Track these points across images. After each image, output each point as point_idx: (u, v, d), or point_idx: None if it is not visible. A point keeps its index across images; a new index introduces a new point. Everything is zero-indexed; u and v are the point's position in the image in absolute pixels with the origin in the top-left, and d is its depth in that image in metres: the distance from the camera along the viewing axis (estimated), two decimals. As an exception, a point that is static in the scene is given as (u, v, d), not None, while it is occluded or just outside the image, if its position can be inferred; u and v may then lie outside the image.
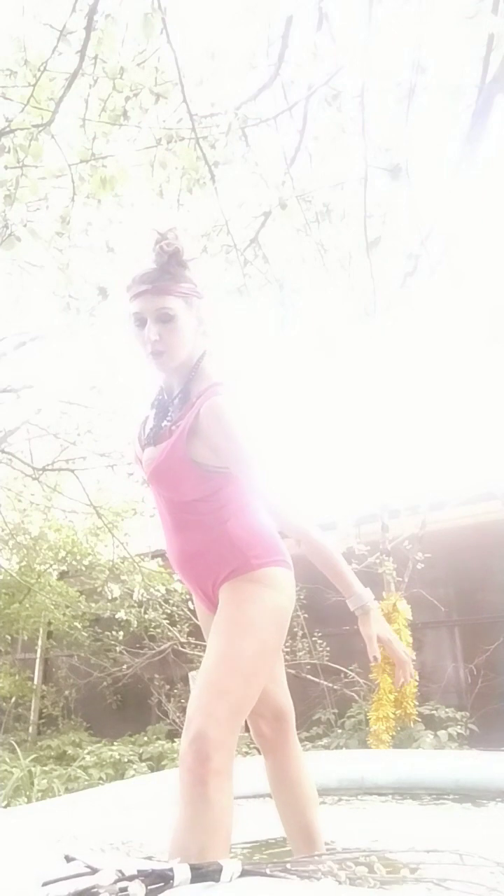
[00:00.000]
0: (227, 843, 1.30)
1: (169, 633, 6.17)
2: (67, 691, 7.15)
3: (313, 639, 5.55)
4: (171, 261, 1.57)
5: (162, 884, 1.00)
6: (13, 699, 7.08)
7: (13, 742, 5.40)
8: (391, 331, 2.73)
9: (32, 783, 4.06)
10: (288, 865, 1.20)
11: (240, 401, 1.53)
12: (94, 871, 1.02)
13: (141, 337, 1.57)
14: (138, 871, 1.01)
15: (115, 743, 5.67)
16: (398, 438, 4.86)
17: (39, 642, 7.52)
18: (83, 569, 6.57)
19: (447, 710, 4.78)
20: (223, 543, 1.55)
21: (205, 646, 1.52)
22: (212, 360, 1.64)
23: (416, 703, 4.71)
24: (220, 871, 1.04)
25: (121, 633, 6.47)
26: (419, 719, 4.69)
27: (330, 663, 5.47)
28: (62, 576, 7.04)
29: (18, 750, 4.76)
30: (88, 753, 5.18)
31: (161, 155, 2.55)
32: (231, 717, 1.39)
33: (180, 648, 6.17)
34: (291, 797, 1.68)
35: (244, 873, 1.07)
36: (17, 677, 7.21)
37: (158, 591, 5.70)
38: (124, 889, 0.97)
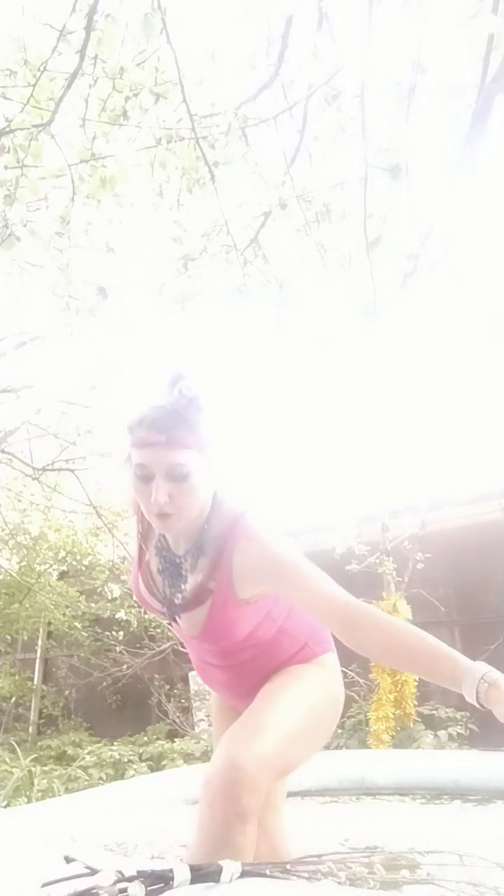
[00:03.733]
0: None
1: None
2: (67, 691, 7.17)
3: (313, 639, 5.54)
4: (191, 406, 1.26)
5: (162, 884, 1.00)
6: (13, 699, 7.09)
7: (13, 742, 5.41)
8: (391, 331, 2.72)
9: (32, 783, 4.06)
10: (287, 866, 1.19)
11: (266, 520, 1.36)
12: (93, 871, 1.02)
13: (145, 492, 1.28)
14: (138, 871, 1.01)
15: (115, 743, 5.68)
16: (398, 439, 4.86)
17: (39, 642, 7.53)
18: (83, 569, 6.59)
19: (447, 710, 4.78)
20: (281, 643, 1.43)
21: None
22: (224, 495, 1.40)
23: (416, 703, 4.71)
24: (220, 871, 1.04)
25: (121, 633, 6.49)
26: (419, 719, 4.69)
27: (330, 663, 5.46)
28: (62, 576, 7.06)
29: (18, 750, 4.78)
30: (88, 753, 5.19)
31: (161, 155, 2.55)
32: (274, 757, 1.21)
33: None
34: (267, 846, 1.43)
35: (244, 874, 1.06)
36: (17, 677, 7.23)
37: (158, 591, 5.69)
38: (124, 890, 0.97)
